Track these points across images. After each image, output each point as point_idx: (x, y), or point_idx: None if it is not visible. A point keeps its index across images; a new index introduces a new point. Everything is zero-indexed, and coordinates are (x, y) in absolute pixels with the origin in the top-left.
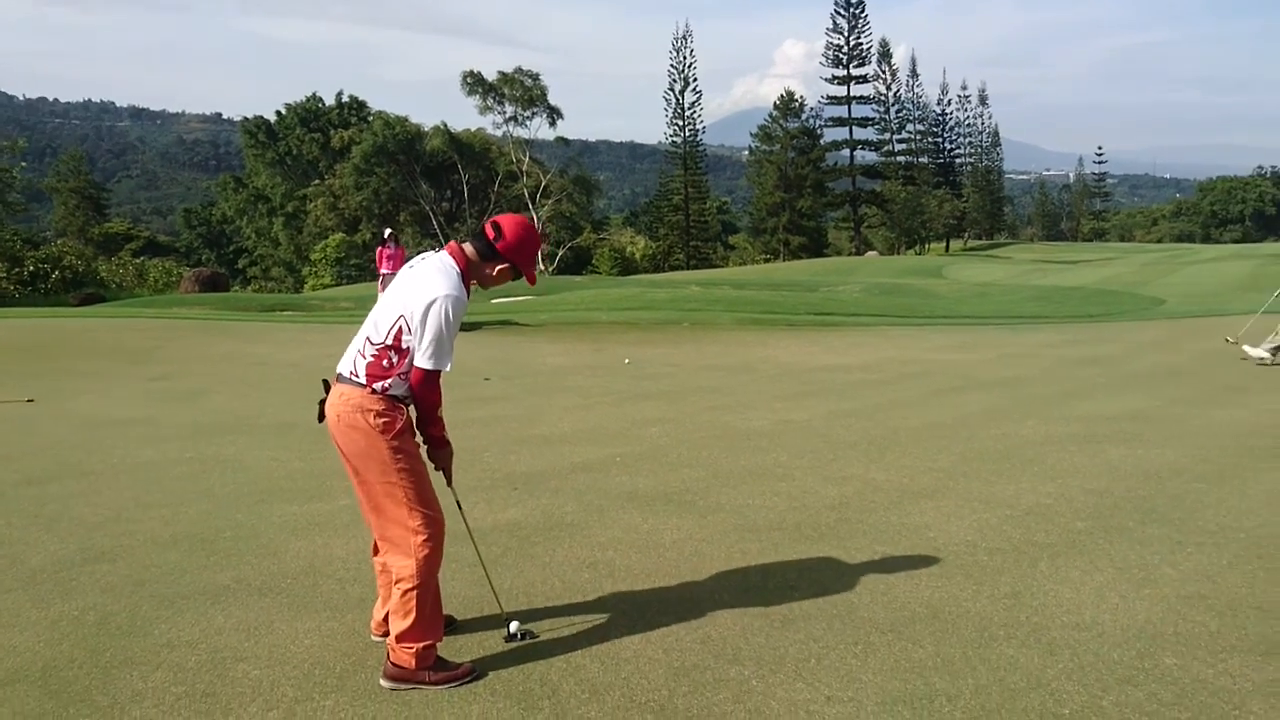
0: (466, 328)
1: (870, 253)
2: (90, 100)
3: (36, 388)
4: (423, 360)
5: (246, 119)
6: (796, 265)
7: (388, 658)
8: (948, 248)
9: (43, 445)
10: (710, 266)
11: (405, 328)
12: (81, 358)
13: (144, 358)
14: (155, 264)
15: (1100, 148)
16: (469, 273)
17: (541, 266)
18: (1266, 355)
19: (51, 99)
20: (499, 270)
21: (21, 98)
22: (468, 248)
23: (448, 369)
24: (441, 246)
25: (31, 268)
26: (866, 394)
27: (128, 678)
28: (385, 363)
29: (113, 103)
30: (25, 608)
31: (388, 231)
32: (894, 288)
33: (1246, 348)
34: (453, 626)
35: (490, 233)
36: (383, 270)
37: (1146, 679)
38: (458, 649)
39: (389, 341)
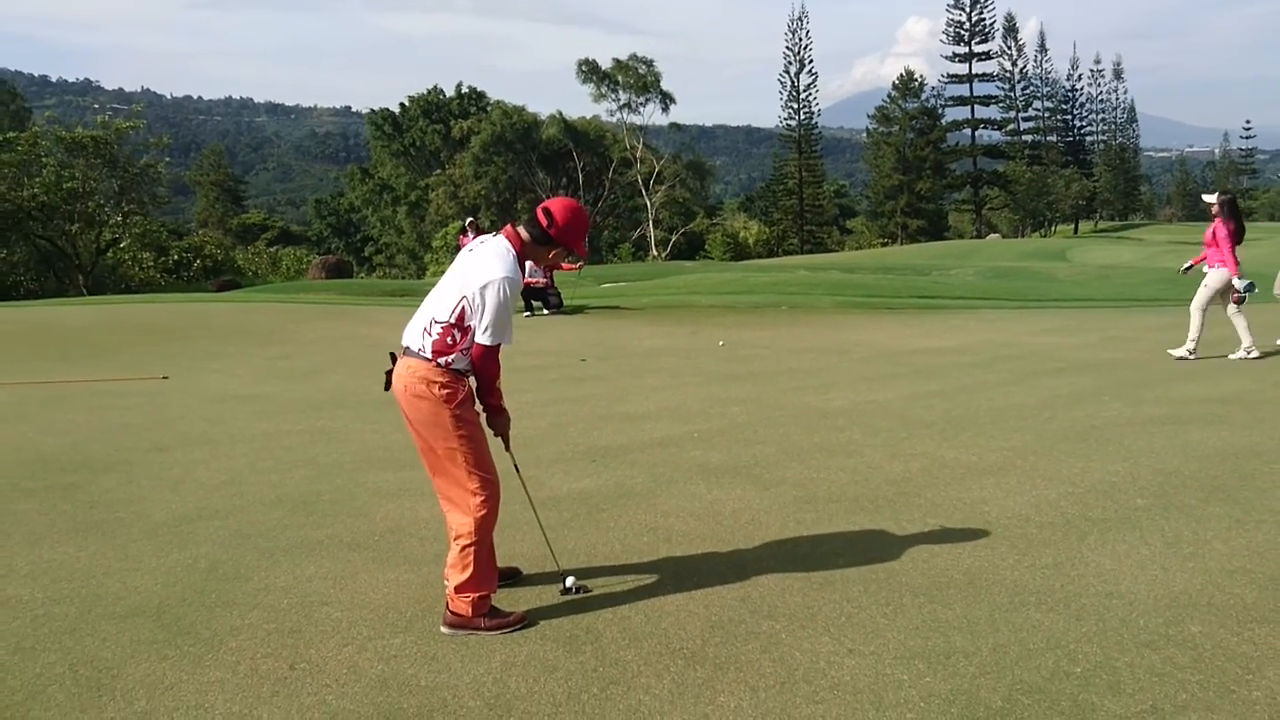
0: (570, 311)
1: (992, 235)
2: (231, 97)
3: (172, 366)
4: (483, 337)
5: (373, 111)
6: (912, 249)
7: (447, 607)
8: (1076, 229)
9: (173, 417)
10: (825, 251)
11: (468, 309)
12: (214, 339)
13: (269, 339)
14: (287, 252)
15: (1248, 121)
16: (524, 255)
17: (656, 252)
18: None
19: (196, 97)
20: (554, 254)
21: (169, 96)
22: (523, 232)
23: (507, 344)
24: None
25: (176, 257)
26: (955, 376)
27: (228, 615)
28: (449, 339)
29: (251, 99)
30: (147, 555)
31: (469, 219)
32: (1010, 271)
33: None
34: (516, 580)
35: (543, 220)
36: None
37: (1167, 644)
38: (517, 599)
39: (452, 320)
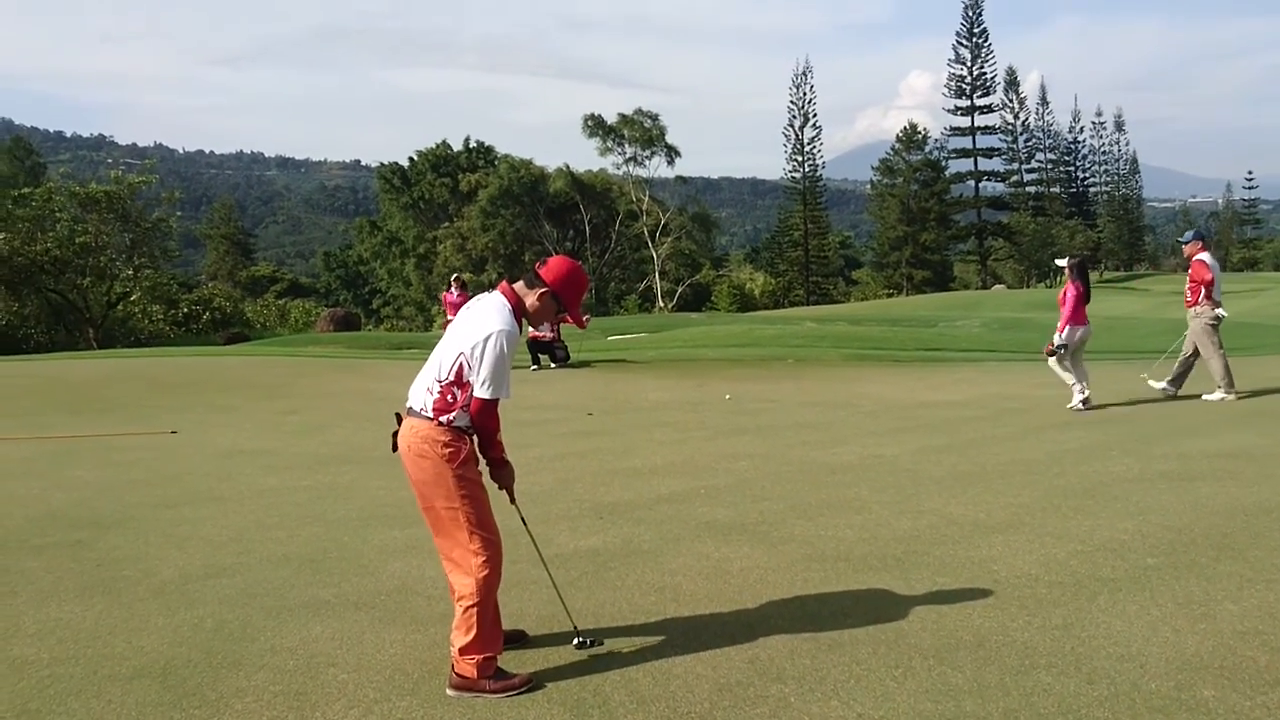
0: (577, 365)
1: (997, 286)
2: (242, 151)
3: (180, 420)
4: (481, 391)
5: (382, 165)
6: (918, 300)
7: (452, 669)
8: None
9: (180, 472)
10: (831, 302)
11: (466, 365)
12: (222, 393)
13: (277, 393)
14: (296, 305)
15: (1250, 172)
16: (519, 308)
17: (662, 304)
18: (1168, 387)
19: (208, 151)
20: (540, 295)
21: (181, 151)
22: (518, 284)
23: (506, 397)
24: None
25: (185, 309)
26: (962, 430)
27: (234, 677)
28: (449, 397)
29: (262, 153)
30: (153, 614)
31: (454, 275)
32: (1016, 322)
33: (1151, 382)
34: (524, 641)
35: (539, 267)
36: (450, 317)
37: (1179, 709)
38: (524, 661)
39: (452, 379)
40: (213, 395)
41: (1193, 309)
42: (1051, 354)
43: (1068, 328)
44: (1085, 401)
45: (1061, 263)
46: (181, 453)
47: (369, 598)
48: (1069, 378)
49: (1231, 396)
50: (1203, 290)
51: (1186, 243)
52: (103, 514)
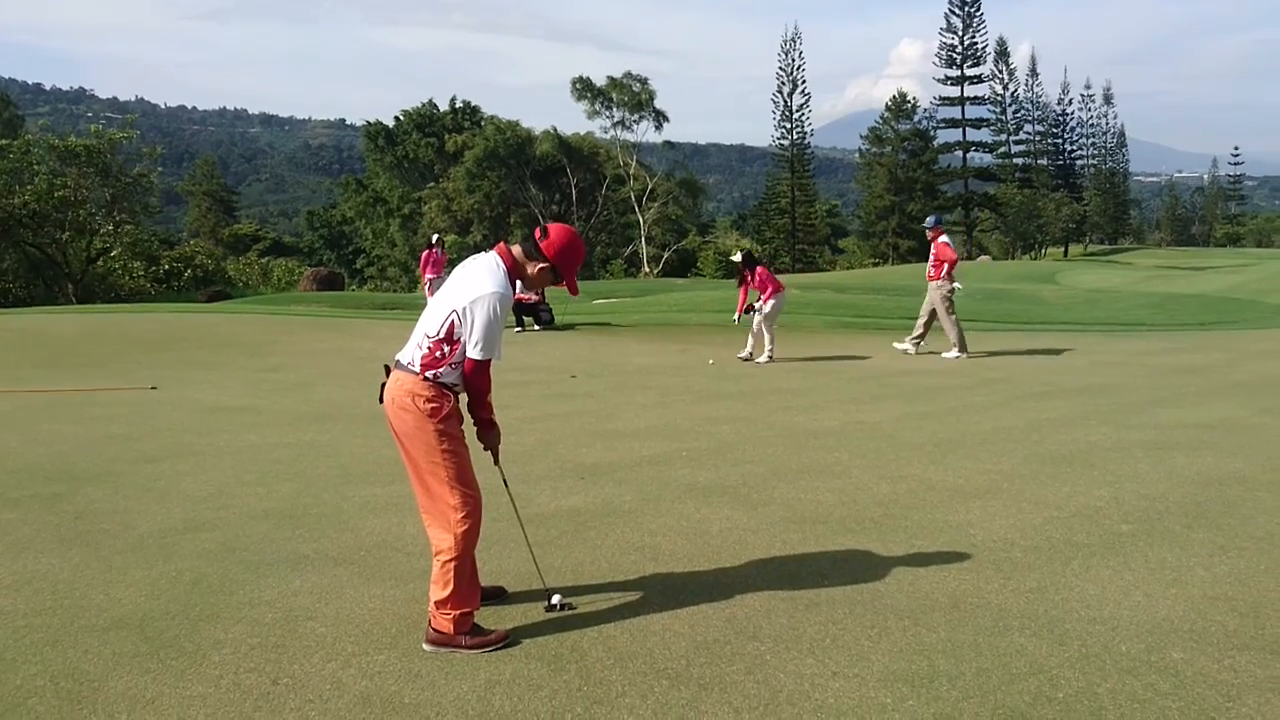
0: (561, 328)
1: (983, 257)
2: (225, 108)
3: (161, 376)
4: (474, 351)
5: (368, 124)
6: (904, 269)
7: (429, 624)
8: (1066, 252)
9: (160, 428)
10: (817, 270)
11: (457, 321)
12: (203, 350)
13: (259, 351)
14: (279, 264)
15: (1237, 148)
16: (515, 271)
17: (647, 269)
18: (910, 347)
19: (190, 107)
20: (539, 269)
21: (164, 106)
22: (516, 249)
23: (497, 358)
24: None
25: (166, 266)
26: (943, 398)
27: (211, 629)
28: (438, 353)
29: (245, 110)
30: (132, 566)
31: (435, 237)
32: (999, 293)
33: (896, 345)
34: (502, 597)
35: (537, 233)
36: (428, 275)
37: (1149, 670)
38: (502, 617)
39: (441, 335)
40: (194, 352)
41: (934, 282)
42: (748, 311)
43: (774, 297)
44: (768, 356)
45: (736, 258)
46: (161, 409)
47: (348, 553)
48: (767, 338)
49: (964, 356)
50: (945, 267)
51: (930, 227)
52: (81, 468)
